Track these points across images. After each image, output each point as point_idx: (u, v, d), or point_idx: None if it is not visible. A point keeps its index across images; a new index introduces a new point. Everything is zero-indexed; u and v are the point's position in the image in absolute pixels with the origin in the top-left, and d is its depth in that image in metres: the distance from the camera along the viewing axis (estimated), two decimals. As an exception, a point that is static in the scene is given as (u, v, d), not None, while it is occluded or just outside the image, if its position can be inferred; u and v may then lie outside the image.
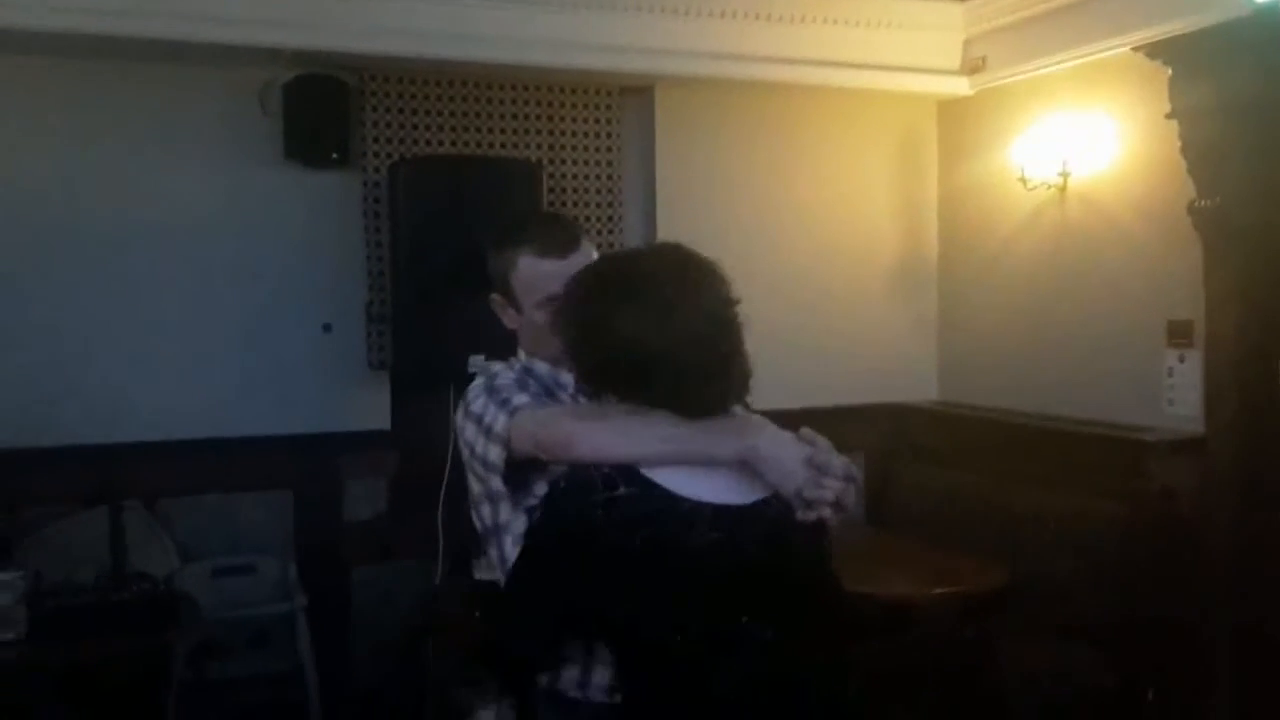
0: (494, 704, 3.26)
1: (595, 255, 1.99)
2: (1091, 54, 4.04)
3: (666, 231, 4.40)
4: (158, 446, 3.92)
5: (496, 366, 2.01)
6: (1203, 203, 3.73)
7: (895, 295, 5.01)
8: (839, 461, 1.70)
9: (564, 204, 4.39)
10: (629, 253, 1.80)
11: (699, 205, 4.55)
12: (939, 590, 3.76)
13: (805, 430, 1.73)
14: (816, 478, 1.67)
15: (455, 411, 1.96)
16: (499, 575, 1.94)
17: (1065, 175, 4.28)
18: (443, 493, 4.03)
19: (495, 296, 2.04)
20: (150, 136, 3.99)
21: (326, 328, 4.19)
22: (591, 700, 1.82)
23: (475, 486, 1.95)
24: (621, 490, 1.64)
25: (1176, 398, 3.91)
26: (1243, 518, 3.69)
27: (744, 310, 1.74)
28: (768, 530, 1.69)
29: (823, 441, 1.73)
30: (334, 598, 4.13)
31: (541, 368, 2.00)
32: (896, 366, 4.98)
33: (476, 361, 3.70)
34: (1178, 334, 3.90)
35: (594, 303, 1.73)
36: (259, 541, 4.08)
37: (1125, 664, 3.70)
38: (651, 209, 4.61)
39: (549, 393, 1.97)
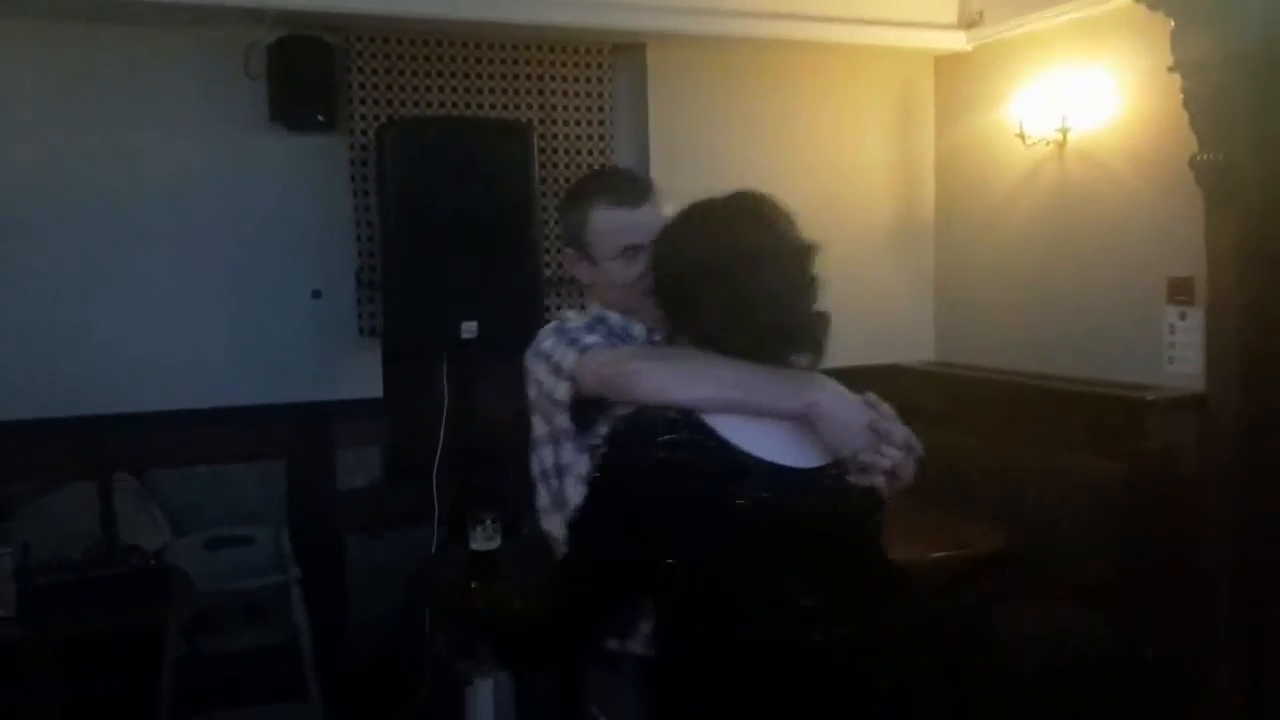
0: (491, 675, 3.25)
1: (666, 208, 1.99)
2: (1091, 6, 3.96)
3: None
4: (147, 417, 3.87)
5: (569, 314, 2.05)
6: (1204, 157, 3.66)
7: (891, 254, 4.96)
8: (900, 431, 1.71)
9: (555, 165, 4.33)
10: (718, 194, 1.82)
11: (692, 164, 4.45)
12: (937, 553, 3.72)
13: (870, 395, 1.75)
14: (875, 443, 1.68)
15: (525, 355, 2.00)
16: (556, 517, 1.96)
17: (1065, 131, 4.21)
18: (437, 460, 4.00)
19: (569, 251, 2.06)
20: (134, 101, 3.90)
21: (316, 294, 4.13)
22: (631, 652, 1.86)
23: (540, 427, 1.98)
24: (682, 435, 1.63)
25: (1177, 355, 3.88)
26: (1244, 476, 3.66)
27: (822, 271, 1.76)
28: (820, 498, 1.68)
29: (886, 408, 1.74)
30: (329, 567, 4.10)
31: (614, 318, 2.02)
32: (893, 326, 4.93)
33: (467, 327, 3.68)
34: (1178, 290, 3.85)
35: (675, 227, 1.80)
36: (252, 512, 4.04)
37: (1126, 625, 3.69)
38: (644, 168, 4.53)
39: (621, 341, 1.99)
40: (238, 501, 4.03)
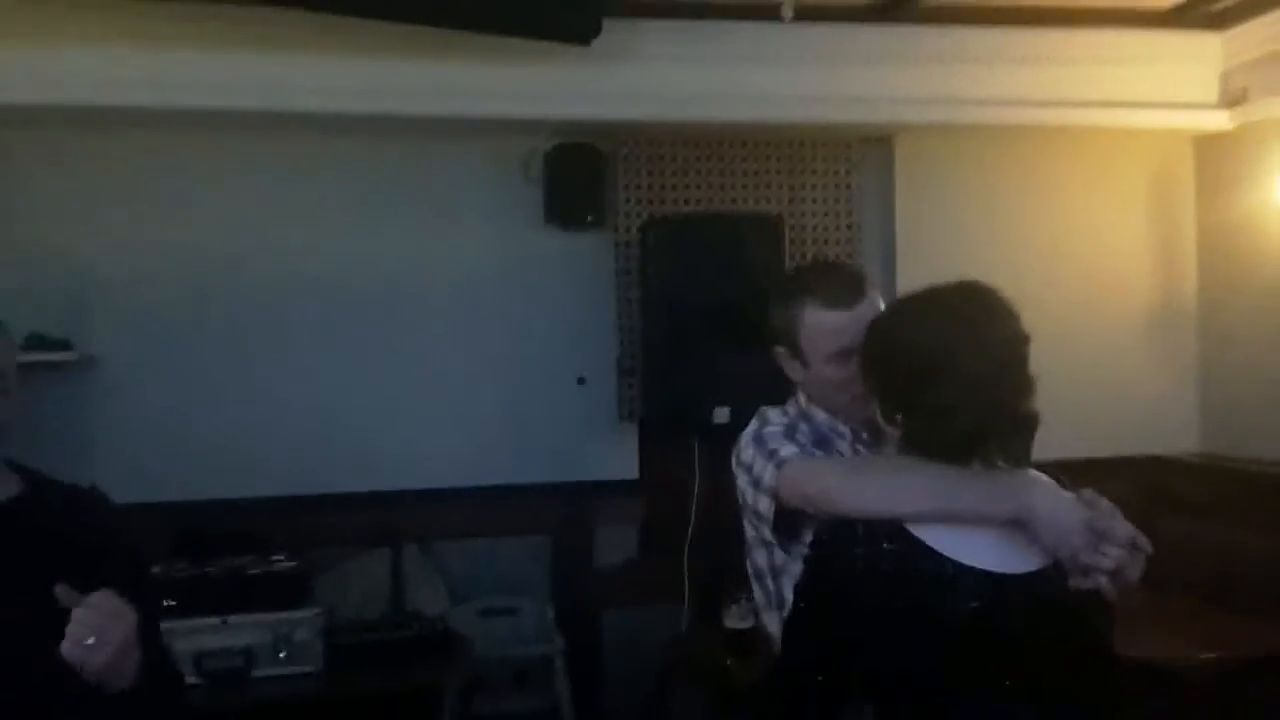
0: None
1: (881, 304, 1.92)
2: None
3: (907, 282, 4.39)
4: (431, 493, 4.20)
5: (772, 412, 2.03)
6: None
7: (1149, 340, 4.80)
8: (1124, 529, 1.60)
9: (804, 255, 4.44)
10: (929, 285, 1.75)
11: (939, 254, 4.43)
12: (1207, 654, 3.56)
13: (1087, 492, 1.65)
14: (1095, 543, 1.57)
15: (731, 459, 2.02)
16: (774, 615, 1.98)
17: (1339, 212, 4.04)
18: (689, 539, 4.15)
19: (780, 349, 2.02)
20: (424, 205, 4.30)
21: (581, 380, 4.38)
22: None
23: (749, 531, 2.02)
24: (884, 546, 1.59)
25: None
26: None
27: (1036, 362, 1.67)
28: (1039, 603, 1.59)
29: (1105, 505, 1.63)
30: (587, 640, 4.29)
31: (820, 416, 2.01)
32: (1151, 416, 4.74)
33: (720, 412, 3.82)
34: None
35: (884, 321, 1.78)
36: (520, 584, 4.29)
37: None
38: (891, 259, 4.61)
39: (823, 440, 1.97)
40: (508, 573, 4.29)
